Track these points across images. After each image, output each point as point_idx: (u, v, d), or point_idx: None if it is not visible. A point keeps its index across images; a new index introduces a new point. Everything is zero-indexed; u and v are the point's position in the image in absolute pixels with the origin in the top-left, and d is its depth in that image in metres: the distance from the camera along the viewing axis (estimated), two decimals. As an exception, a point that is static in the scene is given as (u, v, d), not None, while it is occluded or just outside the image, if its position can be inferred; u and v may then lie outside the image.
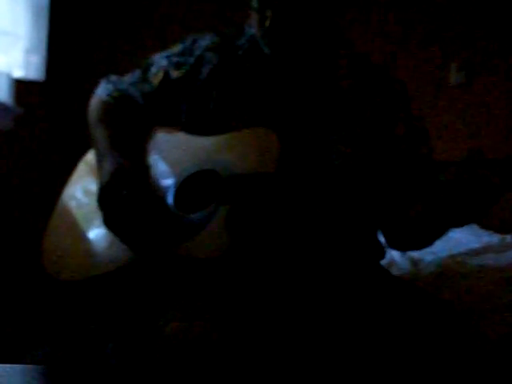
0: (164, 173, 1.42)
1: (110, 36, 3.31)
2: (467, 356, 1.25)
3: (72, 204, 1.52)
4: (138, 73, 1.55)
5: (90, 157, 1.55)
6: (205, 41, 1.50)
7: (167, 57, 1.51)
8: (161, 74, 1.50)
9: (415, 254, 2.04)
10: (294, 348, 1.20)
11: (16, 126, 2.64)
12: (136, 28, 3.30)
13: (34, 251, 1.49)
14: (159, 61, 1.52)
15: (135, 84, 1.54)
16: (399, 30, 3.23)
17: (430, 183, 1.25)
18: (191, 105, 1.45)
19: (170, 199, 1.38)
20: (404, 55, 3.21)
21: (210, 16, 3.21)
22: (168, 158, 1.44)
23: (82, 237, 1.45)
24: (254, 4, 1.36)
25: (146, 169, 1.45)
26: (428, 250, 1.47)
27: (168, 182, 1.41)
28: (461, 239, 2.19)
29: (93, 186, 1.47)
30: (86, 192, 1.51)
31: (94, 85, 1.61)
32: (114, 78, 1.58)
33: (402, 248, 1.45)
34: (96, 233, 1.43)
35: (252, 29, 1.42)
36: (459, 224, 1.28)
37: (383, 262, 1.50)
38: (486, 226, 2.49)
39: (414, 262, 2.01)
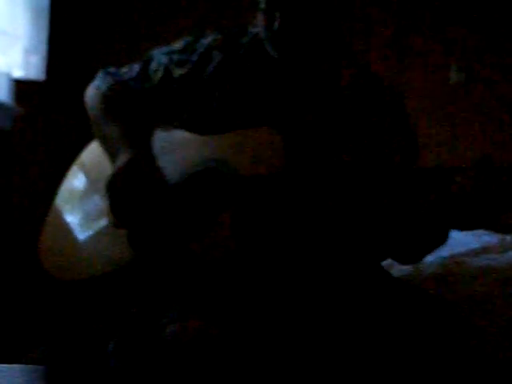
0: (164, 172, 1.42)
1: (111, 36, 3.30)
2: (467, 356, 1.25)
3: (68, 203, 1.51)
4: (136, 68, 1.52)
5: (85, 156, 1.55)
6: (207, 39, 1.48)
7: (168, 54, 1.49)
8: (161, 72, 1.48)
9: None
10: (295, 349, 1.20)
11: (16, 126, 2.64)
12: (136, 28, 3.30)
13: (32, 251, 1.49)
14: (159, 57, 1.50)
15: (135, 79, 1.51)
16: (399, 30, 3.23)
17: (417, 194, 1.26)
18: (194, 103, 1.45)
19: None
20: (404, 55, 3.21)
21: (209, 15, 3.21)
22: (167, 157, 1.43)
23: (78, 236, 1.44)
24: (262, 5, 1.35)
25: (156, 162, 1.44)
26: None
27: (167, 180, 1.40)
28: (461, 239, 2.19)
29: (87, 185, 1.47)
30: (82, 191, 1.50)
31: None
32: (112, 69, 1.55)
33: (407, 259, 1.44)
34: (93, 233, 1.42)
35: (256, 29, 1.42)
36: (466, 229, 1.28)
37: (384, 263, 1.50)
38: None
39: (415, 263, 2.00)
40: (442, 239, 1.35)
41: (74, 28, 3.21)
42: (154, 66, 1.49)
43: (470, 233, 2.28)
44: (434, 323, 1.24)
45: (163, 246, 1.32)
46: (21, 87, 2.67)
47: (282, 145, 1.30)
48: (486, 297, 1.68)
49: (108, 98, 1.51)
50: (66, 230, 1.47)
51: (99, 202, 1.40)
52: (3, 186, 2.67)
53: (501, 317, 1.59)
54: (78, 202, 1.49)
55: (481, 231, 2.42)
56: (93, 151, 1.53)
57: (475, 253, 2.12)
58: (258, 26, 1.39)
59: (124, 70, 1.53)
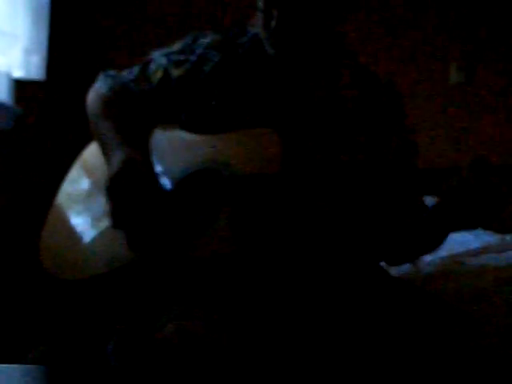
0: (162, 172, 1.42)
1: (111, 35, 3.30)
2: (467, 356, 1.25)
3: (68, 202, 1.51)
4: (136, 69, 1.53)
5: (86, 155, 1.55)
6: (206, 39, 1.48)
7: (166, 55, 1.50)
8: (160, 73, 1.49)
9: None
10: (295, 349, 1.20)
11: (16, 125, 2.64)
12: (136, 28, 3.30)
13: (33, 250, 1.49)
14: (158, 59, 1.50)
15: (134, 81, 1.52)
16: (399, 30, 3.23)
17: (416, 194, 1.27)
18: (192, 103, 1.45)
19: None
20: (404, 55, 3.21)
21: (209, 14, 3.21)
22: (165, 157, 1.43)
23: (78, 236, 1.44)
24: (260, 4, 1.36)
25: (152, 163, 1.44)
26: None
27: (166, 181, 1.40)
28: (460, 239, 2.19)
29: (88, 185, 1.47)
30: (84, 191, 1.50)
31: (95, 84, 1.60)
32: (112, 72, 1.56)
33: (399, 260, 1.45)
34: (93, 232, 1.42)
35: (255, 28, 1.42)
36: (460, 229, 1.29)
37: (382, 263, 1.50)
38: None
39: (413, 262, 2.01)
40: (437, 241, 1.35)
41: (75, 28, 3.21)
42: (153, 67, 1.50)
43: (469, 233, 2.29)
44: (433, 322, 1.24)
45: (161, 247, 1.32)
46: (21, 87, 2.67)
47: (280, 144, 1.30)
48: (485, 296, 1.68)
49: (108, 99, 1.52)
50: (66, 229, 1.47)
51: (103, 202, 1.40)
52: (3, 186, 2.67)
53: (500, 316, 1.59)
54: (81, 203, 1.49)
55: (480, 231, 2.42)
56: (95, 150, 1.53)
57: (475, 252, 2.12)
58: (256, 26, 1.40)
59: (124, 72, 1.54)
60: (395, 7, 3.22)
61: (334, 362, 1.19)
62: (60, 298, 1.53)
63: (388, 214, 1.33)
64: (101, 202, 1.41)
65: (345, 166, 1.36)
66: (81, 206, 1.48)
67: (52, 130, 3.04)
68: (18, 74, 2.59)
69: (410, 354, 1.20)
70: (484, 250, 2.17)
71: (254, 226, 1.30)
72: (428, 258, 2.02)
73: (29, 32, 2.61)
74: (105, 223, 1.40)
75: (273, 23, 1.33)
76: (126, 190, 1.32)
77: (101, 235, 1.41)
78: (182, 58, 1.48)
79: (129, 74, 1.53)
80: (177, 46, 1.50)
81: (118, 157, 1.37)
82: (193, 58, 1.46)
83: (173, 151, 1.43)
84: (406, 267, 1.96)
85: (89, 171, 1.51)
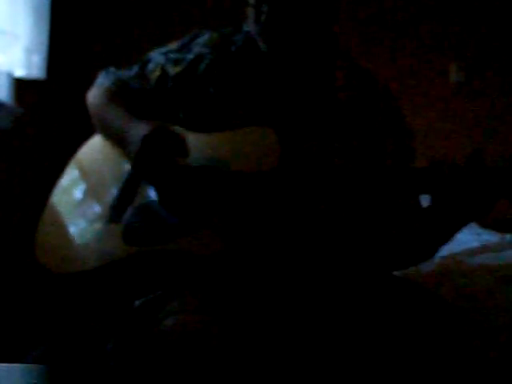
0: None
1: (111, 35, 3.31)
2: (466, 355, 1.25)
3: (63, 203, 1.51)
4: (135, 68, 1.54)
5: (81, 156, 1.55)
6: (203, 38, 1.49)
7: (164, 53, 1.51)
8: (158, 71, 1.49)
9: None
10: (294, 344, 1.20)
11: (16, 125, 2.64)
12: (136, 27, 3.30)
13: (32, 250, 1.49)
14: (156, 57, 1.51)
15: (133, 79, 1.53)
16: (399, 30, 3.23)
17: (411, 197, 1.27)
18: (189, 101, 1.45)
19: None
20: (404, 55, 3.21)
21: (208, 14, 3.22)
22: None
23: (73, 234, 1.44)
24: (251, 0, 1.36)
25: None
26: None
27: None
28: (460, 238, 2.19)
29: (83, 188, 1.48)
30: (77, 193, 1.51)
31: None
32: (113, 69, 1.57)
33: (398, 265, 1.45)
34: (88, 226, 1.43)
35: (248, 25, 1.42)
36: (456, 227, 1.29)
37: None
38: (485, 225, 2.50)
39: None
40: (434, 245, 1.35)
41: (75, 27, 3.22)
42: (151, 66, 1.51)
43: (469, 232, 2.29)
44: (433, 321, 1.24)
45: (157, 241, 1.33)
46: (22, 86, 2.67)
47: (277, 143, 1.30)
48: (485, 295, 1.69)
49: (112, 91, 1.53)
50: (61, 226, 1.48)
51: (97, 205, 1.41)
52: (3, 186, 2.67)
53: (500, 315, 1.59)
54: (75, 207, 1.49)
55: (480, 230, 2.43)
56: (90, 151, 1.54)
57: (474, 252, 2.12)
58: (248, 22, 1.40)
59: (123, 70, 1.55)
60: (395, 7, 3.22)
61: (334, 358, 1.19)
62: (56, 292, 1.53)
63: (384, 215, 1.33)
64: (95, 205, 1.42)
65: (341, 166, 1.36)
66: (75, 211, 1.49)
67: (52, 130, 3.05)
68: (19, 73, 2.59)
69: (409, 352, 1.20)
70: (484, 249, 2.17)
71: (250, 223, 1.30)
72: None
73: (29, 31, 2.61)
74: (99, 225, 1.41)
75: (263, 18, 1.34)
76: (157, 154, 1.35)
77: (95, 235, 1.41)
78: (179, 56, 1.48)
79: (128, 72, 1.54)
80: (174, 45, 1.51)
81: (143, 127, 1.39)
82: (190, 56, 1.47)
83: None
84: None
85: (84, 173, 1.52)
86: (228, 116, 1.40)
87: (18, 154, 2.78)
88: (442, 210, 1.26)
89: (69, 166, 1.56)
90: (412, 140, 1.44)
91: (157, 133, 1.37)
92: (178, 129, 1.43)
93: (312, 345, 1.20)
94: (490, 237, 2.37)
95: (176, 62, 1.48)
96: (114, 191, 1.43)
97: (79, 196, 1.49)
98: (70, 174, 1.55)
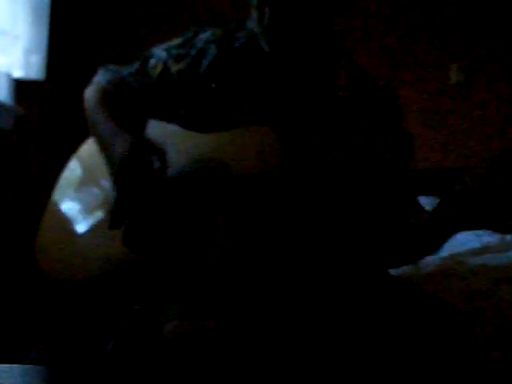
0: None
1: (111, 35, 3.31)
2: (466, 355, 1.25)
3: (62, 194, 1.51)
4: (136, 64, 1.53)
5: (82, 149, 1.55)
6: (206, 34, 1.49)
7: (166, 49, 1.50)
8: (159, 67, 1.48)
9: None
10: (294, 349, 1.20)
11: (16, 125, 2.64)
12: (136, 27, 3.30)
13: (31, 250, 1.49)
14: (158, 53, 1.50)
15: (134, 75, 1.52)
16: (399, 30, 3.23)
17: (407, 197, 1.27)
18: (191, 98, 1.45)
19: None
20: (404, 55, 3.21)
21: (207, 13, 3.22)
22: None
23: (74, 236, 1.44)
24: (253, 1, 1.36)
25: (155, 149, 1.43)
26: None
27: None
28: (461, 239, 2.19)
29: (81, 175, 1.48)
30: (78, 182, 1.50)
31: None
32: (112, 66, 1.56)
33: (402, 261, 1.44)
34: (90, 229, 1.42)
35: (252, 23, 1.42)
36: (468, 229, 1.27)
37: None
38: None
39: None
40: (438, 243, 1.34)
41: (75, 28, 3.22)
42: (152, 62, 1.50)
43: (470, 232, 2.28)
44: (432, 322, 1.24)
45: (158, 245, 1.33)
46: (21, 87, 2.67)
47: (278, 143, 1.30)
48: (485, 296, 1.69)
49: (105, 91, 1.52)
50: (62, 228, 1.47)
51: (95, 192, 1.40)
52: (3, 186, 2.67)
53: (500, 316, 1.59)
54: (75, 193, 1.49)
55: (481, 231, 2.42)
56: (91, 145, 1.53)
57: (475, 252, 2.12)
58: (252, 21, 1.40)
59: (124, 67, 1.54)
60: (395, 8, 3.23)
61: (334, 358, 1.19)
62: (58, 298, 1.53)
63: (383, 214, 1.33)
64: (93, 192, 1.41)
65: (341, 165, 1.36)
66: (74, 196, 1.48)
67: (52, 130, 3.05)
68: (18, 73, 2.59)
69: (410, 353, 1.20)
70: (484, 249, 2.16)
71: (252, 224, 1.30)
72: (428, 257, 2.02)
73: (29, 32, 2.61)
74: (98, 214, 1.40)
75: (265, 20, 1.34)
76: (135, 173, 1.33)
77: (97, 231, 1.40)
78: (182, 52, 1.47)
79: (129, 68, 1.54)
80: (177, 41, 1.50)
81: (122, 143, 1.37)
82: (193, 52, 1.46)
83: (170, 149, 1.43)
84: (405, 267, 1.97)
85: (83, 162, 1.51)
86: (229, 113, 1.39)
87: (18, 154, 2.78)
88: (455, 210, 1.23)
89: (69, 163, 1.56)
90: (411, 139, 1.44)
91: (134, 152, 1.34)
92: (174, 130, 1.43)
93: (312, 346, 1.20)
94: (490, 237, 2.37)
95: (178, 58, 1.47)
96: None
97: (78, 188, 1.49)
98: (70, 169, 1.55)
